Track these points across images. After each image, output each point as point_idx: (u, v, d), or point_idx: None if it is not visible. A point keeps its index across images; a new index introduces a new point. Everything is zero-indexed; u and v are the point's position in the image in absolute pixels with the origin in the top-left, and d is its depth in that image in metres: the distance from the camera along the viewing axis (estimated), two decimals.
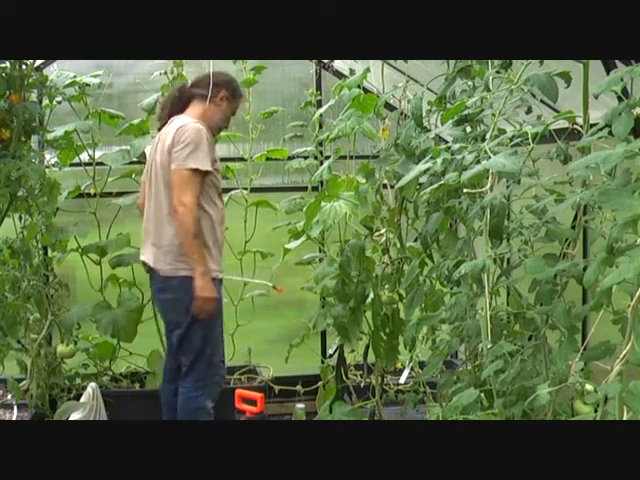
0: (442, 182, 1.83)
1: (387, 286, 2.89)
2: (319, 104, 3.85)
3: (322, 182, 3.59)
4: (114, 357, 3.85)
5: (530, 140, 1.69)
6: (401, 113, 2.68)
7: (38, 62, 3.58)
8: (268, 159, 3.98)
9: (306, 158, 3.79)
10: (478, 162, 1.66)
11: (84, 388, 3.49)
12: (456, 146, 1.81)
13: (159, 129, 3.15)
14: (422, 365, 3.60)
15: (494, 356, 1.69)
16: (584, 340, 1.87)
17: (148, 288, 3.71)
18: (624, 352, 1.27)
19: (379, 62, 2.83)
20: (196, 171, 2.93)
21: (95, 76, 3.64)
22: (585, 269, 1.50)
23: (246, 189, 3.93)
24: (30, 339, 3.57)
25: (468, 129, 2.08)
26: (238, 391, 3.70)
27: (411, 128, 2.36)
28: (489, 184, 1.75)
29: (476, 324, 1.88)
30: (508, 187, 1.79)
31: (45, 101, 3.58)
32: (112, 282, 3.78)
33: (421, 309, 2.41)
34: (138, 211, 3.31)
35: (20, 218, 3.51)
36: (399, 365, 3.78)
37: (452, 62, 2.33)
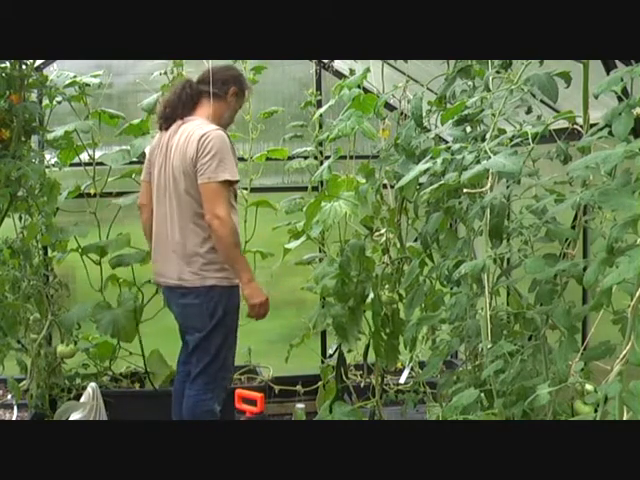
0: (442, 182, 1.83)
1: (387, 286, 2.88)
2: (319, 104, 3.85)
3: (322, 182, 3.59)
4: (114, 357, 3.85)
5: (530, 140, 1.68)
6: (401, 113, 2.67)
7: (38, 62, 3.57)
8: (268, 159, 3.99)
9: (306, 158, 3.79)
10: (478, 162, 1.66)
11: (84, 388, 3.49)
12: (456, 146, 1.81)
13: (165, 128, 3.06)
14: (422, 365, 3.60)
15: (494, 356, 1.69)
16: (584, 340, 1.87)
17: (148, 288, 3.73)
18: (624, 352, 1.27)
19: (379, 62, 2.83)
20: (226, 182, 2.89)
21: (95, 76, 3.63)
22: (585, 269, 1.50)
23: (246, 189, 3.92)
24: (30, 339, 3.57)
25: (468, 129, 2.08)
26: (238, 391, 3.70)
27: (411, 128, 2.35)
28: (489, 184, 1.74)
29: (476, 324, 1.87)
30: (508, 187, 1.78)
31: (45, 101, 3.57)
32: (112, 282, 3.78)
33: (421, 309, 2.41)
34: (138, 211, 3.30)
35: (20, 218, 3.50)
36: (399, 365, 3.77)
37: (452, 62, 2.32)
